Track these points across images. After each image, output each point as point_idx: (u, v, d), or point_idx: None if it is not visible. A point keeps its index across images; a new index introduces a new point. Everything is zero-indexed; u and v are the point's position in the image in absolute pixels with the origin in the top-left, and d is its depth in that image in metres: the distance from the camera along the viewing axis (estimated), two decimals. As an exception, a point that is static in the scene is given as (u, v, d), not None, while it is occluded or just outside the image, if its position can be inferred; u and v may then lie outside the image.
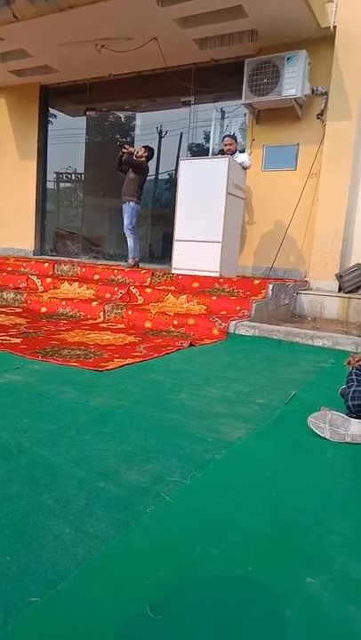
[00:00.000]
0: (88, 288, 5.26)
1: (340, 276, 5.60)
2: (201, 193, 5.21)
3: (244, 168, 5.65)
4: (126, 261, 6.44)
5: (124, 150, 6.13)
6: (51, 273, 6.14)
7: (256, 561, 1.07)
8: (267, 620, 0.91)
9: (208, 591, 0.98)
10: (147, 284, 5.36)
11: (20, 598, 0.91)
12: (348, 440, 1.81)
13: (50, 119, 8.55)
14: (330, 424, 1.83)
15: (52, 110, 8.51)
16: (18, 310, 4.79)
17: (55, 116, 8.59)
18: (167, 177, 8.00)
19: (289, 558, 1.10)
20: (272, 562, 1.08)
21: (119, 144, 6.30)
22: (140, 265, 6.57)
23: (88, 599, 0.92)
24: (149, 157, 6.35)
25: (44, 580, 0.96)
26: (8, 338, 3.35)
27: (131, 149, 6.19)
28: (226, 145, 5.93)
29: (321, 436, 1.83)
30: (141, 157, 6.26)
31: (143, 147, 6.34)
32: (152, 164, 7.94)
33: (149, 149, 6.35)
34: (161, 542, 1.13)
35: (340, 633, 0.89)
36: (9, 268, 6.49)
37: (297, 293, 5.43)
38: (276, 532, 1.20)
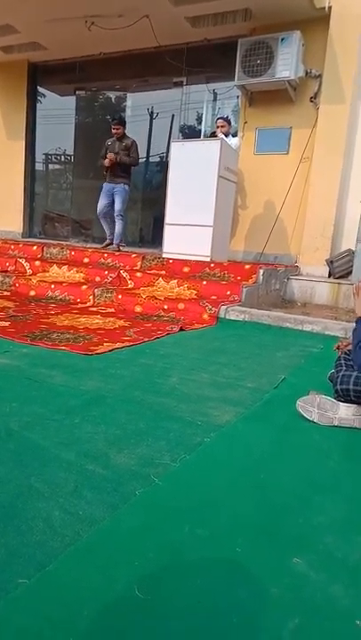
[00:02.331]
0: (78, 271, 5.21)
1: (331, 262, 5.61)
2: (192, 176, 5.15)
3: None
4: (116, 246, 6.40)
5: (106, 162, 6.08)
6: (39, 256, 6.07)
7: (243, 542, 1.09)
8: (254, 600, 0.92)
9: (196, 571, 0.99)
10: (137, 267, 5.33)
11: (9, 580, 0.91)
12: (335, 423, 1.83)
13: (38, 98, 8.36)
14: (318, 408, 1.85)
15: (40, 89, 8.32)
16: (6, 294, 4.74)
17: (44, 95, 8.40)
18: (158, 159, 7.89)
19: (276, 539, 1.11)
20: (259, 542, 1.09)
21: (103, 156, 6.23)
22: (131, 249, 6.53)
23: (77, 580, 0.93)
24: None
25: (32, 562, 0.96)
26: (-4, 321, 3.31)
27: (111, 156, 6.09)
28: (218, 127, 5.87)
29: (309, 420, 1.85)
30: (128, 149, 6.16)
31: (116, 130, 6.18)
32: (143, 147, 7.85)
33: (122, 123, 6.20)
34: (150, 524, 1.13)
35: (325, 611, 0.90)
36: (-3, 251, 6.40)
37: (287, 279, 5.43)
38: (263, 514, 1.22)
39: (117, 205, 6.32)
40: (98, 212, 6.46)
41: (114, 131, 6.15)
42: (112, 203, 6.34)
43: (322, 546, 1.10)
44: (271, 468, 1.48)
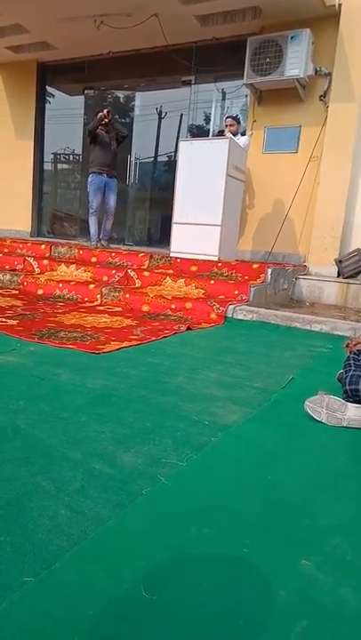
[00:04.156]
0: (85, 270, 5.22)
1: (340, 262, 5.57)
2: (201, 175, 5.14)
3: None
4: (122, 243, 6.40)
5: (105, 116, 5.93)
6: (48, 255, 6.09)
7: (251, 542, 1.08)
8: (261, 601, 0.91)
9: (203, 572, 0.98)
10: (145, 267, 5.33)
11: (15, 578, 0.91)
12: (344, 424, 1.81)
13: (47, 98, 8.39)
14: (327, 408, 1.83)
15: (49, 89, 8.34)
16: (14, 292, 4.75)
17: (53, 94, 8.43)
18: (166, 159, 7.89)
19: (283, 540, 1.10)
20: (266, 543, 1.08)
21: (107, 111, 6.03)
22: (138, 248, 6.53)
23: (83, 579, 0.92)
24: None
25: (38, 561, 0.96)
26: (4, 319, 3.33)
27: (107, 111, 5.94)
28: (227, 125, 5.85)
29: (318, 420, 1.83)
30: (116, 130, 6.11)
31: (105, 111, 6.05)
32: (151, 146, 7.86)
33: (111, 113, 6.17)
34: (156, 523, 1.13)
35: (333, 614, 0.89)
36: (5, 250, 6.42)
37: (296, 278, 5.40)
38: (270, 515, 1.20)
39: (112, 202, 6.27)
40: (94, 209, 6.29)
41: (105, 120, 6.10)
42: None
43: (330, 547, 1.08)
44: (279, 468, 1.46)
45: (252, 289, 4.37)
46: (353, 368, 1.99)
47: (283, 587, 0.95)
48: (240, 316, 3.99)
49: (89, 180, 6.24)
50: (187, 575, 0.97)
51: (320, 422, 1.83)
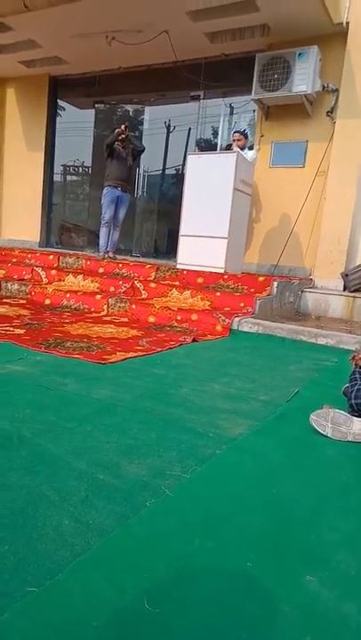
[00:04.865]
0: (92, 281, 5.26)
1: (346, 275, 5.58)
2: (208, 188, 5.18)
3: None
4: (129, 254, 6.44)
5: (122, 132, 6.02)
6: (55, 265, 6.14)
7: (255, 556, 1.07)
8: (264, 616, 0.91)
9: (206, 585, 0.97)
10: (151, 278, 5.35)
11: (18, 588, 0.91)
12: (349, 439, 1.80)
13: (58, 111, 8.52)
14: (332, 422, 1.82)
15: (60, 102, 8.48)
16: (22, 302, 4.79)
17: (64, 108, 8.56)
18: (174, 172, 7.97)
19: (288, 554, 1.10)
20: (270, 557, 1.08)
21: (125, 126, 6.13)
22: (145, 260, 6.57)
23: (86, 590, 0.92)
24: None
25: (42, 571, 0.96)
26: (12, 329, 3.35)
27: (123, 127, 6.04)
28: (235, 140, 5.91)
29: (323, 434, 1.83)
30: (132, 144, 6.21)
31: (122, 126, 6.14)
32: (159, 159, 7.95)
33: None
34: (160, 535, 1.12)
35: (337, 629, 0.88)
36: (14, 260, 6.49)
37: (302, 291, 5.40)
38: (275, 528, 1.20)
39: (122, 215, 6.36)
40: (106, 220, 6.38)
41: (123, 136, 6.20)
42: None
43: (334, 563, 1.08)
44: (283, 481, 1.46)
45: (257, 301, 4.37)
46: (359, 382, 1.98)
47: (287, 601, 0.94)
48: (246, 329, 3.99)
49: (104, 192, 6.34)
50: (190, 588, 0.96)
51: (325, 436, 1.82)
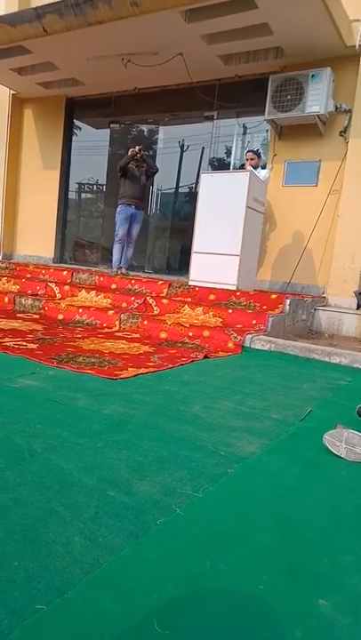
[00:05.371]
0: (105, 297, 5.30)
1: (360, 294, 5.54)
2: (221, 206, 5.23)
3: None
4: (142, 270, 6.49)
5: (136, 153, 6.16)
6: (69, 281, 6.20)
7: (267, 579, 1.05)
8: (276, 642, 0.88)
9: (217, 608, 0.95)
10: (163, 294, 5.38)
11: (27, 605, 0.90)
12: (364, 460, 1.77)
13: (74, 131, 8.71)
14: (346, 442, 1.79)
15: (76, 122, 8.67)
16: (35, 316, 4.84)
17: (80, 127, 8.76)
18: (187, 190, 8.06)
19: (300, 577, 1.07)
20: (283, 580, 1.05)
21: (139, 148, 6.28)
22: (158, 276, 6.61)
23: (95, 609, 0.91)
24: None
25: (51, 588, 0.95)
26: (25, 343, 3.38)
27: (137, 148, 6.18)
28: (248, 159, 5.98)
29: (336, 455, 1.80)
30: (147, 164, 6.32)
31: (136, 148, 6.28)
32: (173, 177, 8.05)
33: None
34: (170, 555, 1.11)
35: (352, 659, 0.86)
36: (28, 275, 6.58)
37: (315, 309, 5.38)
38: (287, 550, 1.18)
39: (135, 232, 6.45)
40: (120, 237, 6.47)
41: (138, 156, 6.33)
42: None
43: (349, 587, 1.05)
44: (296, 502, 1.43)
45: (270, 319, 4.36)
46: (373, 402, 1.95)
47: (299, 626, 0.92)
48: (258, 346, 3.98)
49: (118, 209, 6.44)
50: (200, 610, 0.94)
51: (339, 457, 1.79)
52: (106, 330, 4.44)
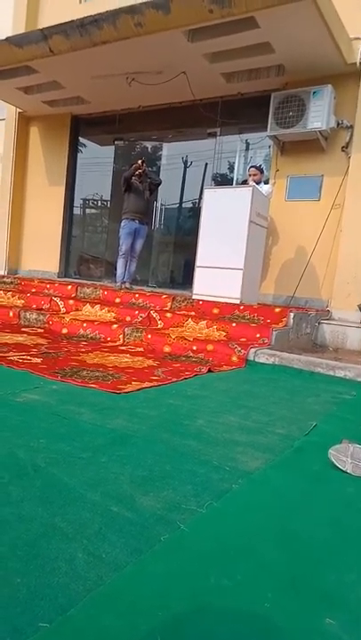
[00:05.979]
0: (109, 311, 5.31)
1: (363, 307, 5.53)
2: (224, 220, 5.26)
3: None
4: (146, 284, 6.52)
5: (139, 167, 6.22)
6: (73, 295, 6.23)
7: (272, 596, 1.03)
8: (283, 661, 0.87)
9: (222, 624, 0.94)
10: (167, 308, 5.39)
11: (29, 623, 0.89)
12: (370, 475, 1.75)
13: (79, 148, 8.83)
14: (352, 457, 1.78)
15: (81, 139, 8.79)
16: (40, 331, 4.85)
17: (85, 145, 8.88)
18: (191, 205, 8.13)
19: (306, 595, 1.06)
20: (288, 598, 1.04)
21: (142, 161, 6.35)
22: (162, 290, 6.64)
23: (99, 626, 0.90)
24: None
25: (54, 605, 0.94)
26: (29, 357, 3.39)
27: (140, 162, 6.25)
28: (251, 175, 6.03)
29: (342, 470, 1.78)
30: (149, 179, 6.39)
31: (139, 162, 6.36)
32: (176, 193, 8.13)
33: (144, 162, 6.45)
34: (174, 572, 1.10)
35: None
36: (33, 290, 6.61)
37: (319, 323, 5.37)
38: (293, 567, 1.16)
39: (139, 247, 6.50)
40: (123, 252, 6.53)
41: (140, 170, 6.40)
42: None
43: (356, 605, 1.03)
44: (302, 518, 1.42)
45: (274, 332, 4.35)
46: (378, 416, 1.94)
47: (306, 646, 0.90)
48: (262, 360, 3.97)
49: (121, 224, 6.51)
50: (205, 628, 0.93)
51: (345, 472, 1.77)
52: (110, 344, 4.44)
